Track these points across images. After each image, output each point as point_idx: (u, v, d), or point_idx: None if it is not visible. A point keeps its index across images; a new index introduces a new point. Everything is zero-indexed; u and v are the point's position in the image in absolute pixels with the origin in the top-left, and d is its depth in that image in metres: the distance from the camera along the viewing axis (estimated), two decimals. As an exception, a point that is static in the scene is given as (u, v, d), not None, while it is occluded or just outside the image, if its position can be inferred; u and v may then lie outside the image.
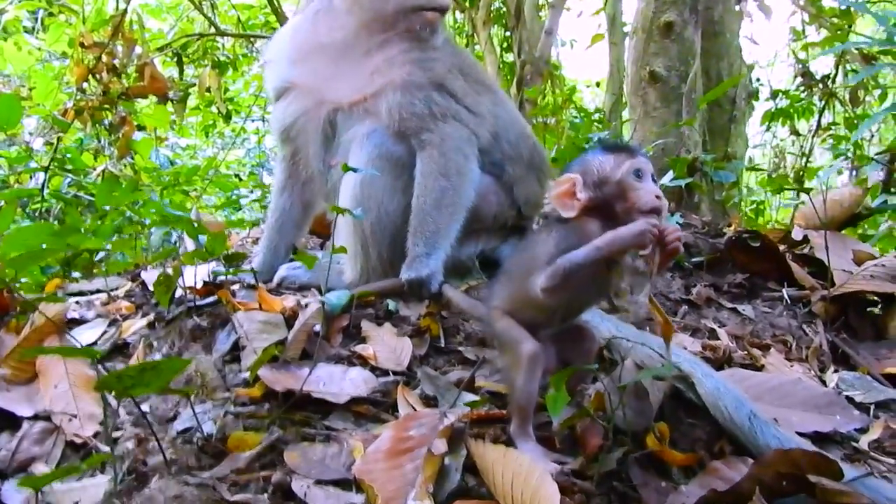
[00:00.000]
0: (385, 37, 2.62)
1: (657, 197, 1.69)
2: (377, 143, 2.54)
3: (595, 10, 8.48)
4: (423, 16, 2.60)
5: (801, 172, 7.22)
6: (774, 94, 7.65)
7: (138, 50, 5.85)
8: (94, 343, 2.30)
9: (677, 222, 2.72)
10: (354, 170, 2.18)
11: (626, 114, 6.84)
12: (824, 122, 7.75)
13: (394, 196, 2.54)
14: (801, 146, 8.49)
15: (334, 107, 2.65)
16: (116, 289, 2.80)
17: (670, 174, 3.19)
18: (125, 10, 5.59)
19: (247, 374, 2.01)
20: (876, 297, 2.76)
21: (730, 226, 3.62)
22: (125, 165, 6.19)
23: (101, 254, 3.69)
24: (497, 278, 1.99)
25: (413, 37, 2.62)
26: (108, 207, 3.47)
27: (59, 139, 5.14)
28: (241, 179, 8.61)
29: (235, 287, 2.57)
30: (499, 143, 2.73)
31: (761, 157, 10.25)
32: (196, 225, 2.44)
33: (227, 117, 8.09)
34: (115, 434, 1.80)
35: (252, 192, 7.81)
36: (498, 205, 2.72)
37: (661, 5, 4.96)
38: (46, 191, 4.53)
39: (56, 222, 4.90)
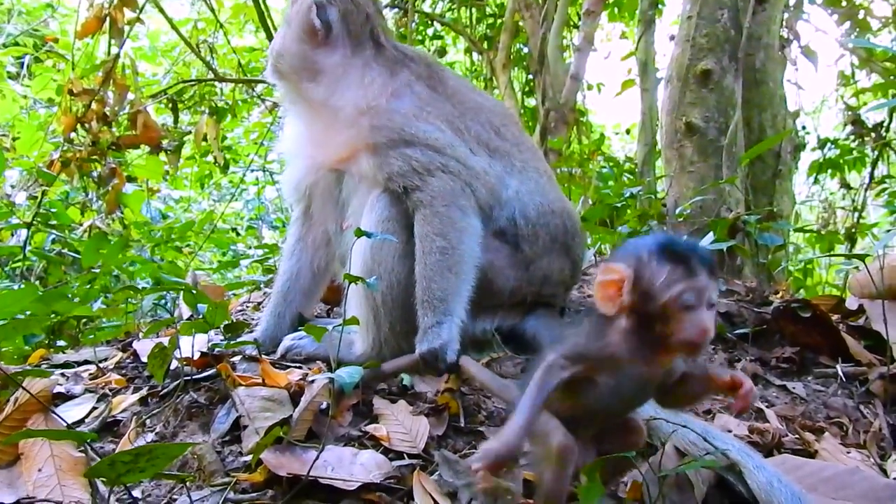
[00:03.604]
0: (327, 92, 2.76)
1: (704, 331, 1.60)
2: (386, 204, 2.61)
3: (625, 55, 8.57)
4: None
5: (853, 230, 7.22)
6: (822, 144, 7.69)
7: (130, 97, 5.98)
8: (82, 421, 2.32)
9: (719, 290, 2.72)
10: (368, 234, 2.22)
11: (659, 163, 6.86)
12: (878, 173, 7.75)
13: (405, 261, 2.59)
14: (853, 200, 8.47)
15: (327, 168, 2.79)
16: (106, 359, 2.84)
17: (710, 236, 3.21)
18: (117, 55, 5.71)
19: (248, 458, 2.03)
20: (941, 377, 2.74)
21: (777, 293, 3.62)
22: (114, 220, 6.28)
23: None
24: (534, 362, 1.99)
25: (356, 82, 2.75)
26: (96, 269, 3.54)
27: (43, 193, 5.24)
28: (238, 234, 8.67)
29: (236, 359, 2.60)
30: (505, 211, 2.76)
31: (808, 212, 10.25)
32: (194, 292, 2.48)
33: (225, 167, 8.19)
34: (105, 524, 1.81)
35: (250, 248, 7.86)
36: (515, 280, 2.75)
37: (698, 52, 4.99)
38: (28, 248, 4.59)
39: (38, 282, 4.96)
